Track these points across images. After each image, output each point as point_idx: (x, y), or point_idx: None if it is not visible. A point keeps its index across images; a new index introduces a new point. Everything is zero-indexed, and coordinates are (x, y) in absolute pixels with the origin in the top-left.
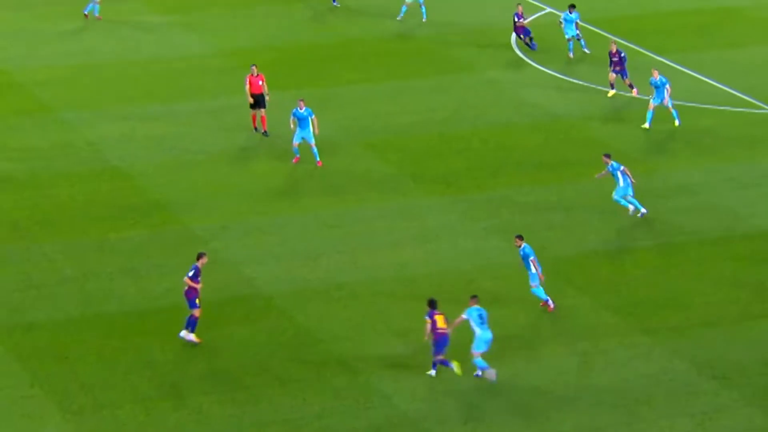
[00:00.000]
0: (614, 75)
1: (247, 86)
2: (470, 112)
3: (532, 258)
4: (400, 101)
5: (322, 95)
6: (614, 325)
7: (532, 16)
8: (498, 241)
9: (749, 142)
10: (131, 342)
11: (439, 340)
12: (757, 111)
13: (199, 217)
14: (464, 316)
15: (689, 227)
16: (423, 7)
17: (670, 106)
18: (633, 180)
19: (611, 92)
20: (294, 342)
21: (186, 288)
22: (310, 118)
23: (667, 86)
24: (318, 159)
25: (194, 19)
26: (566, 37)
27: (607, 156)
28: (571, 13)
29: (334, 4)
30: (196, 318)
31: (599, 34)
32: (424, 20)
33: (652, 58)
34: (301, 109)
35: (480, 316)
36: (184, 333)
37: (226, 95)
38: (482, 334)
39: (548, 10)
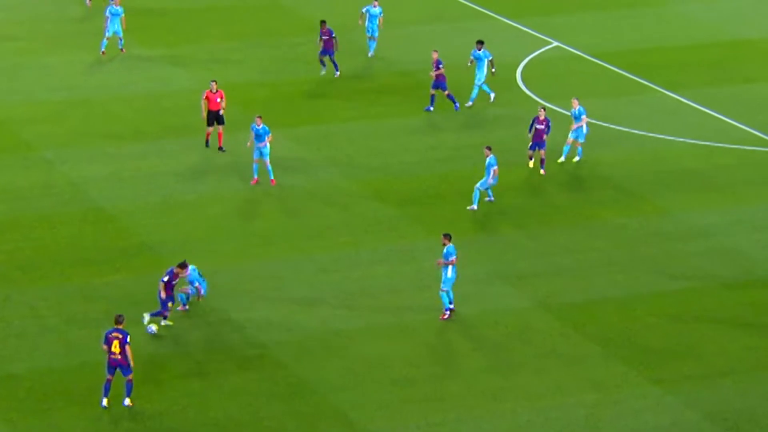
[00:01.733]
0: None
1: (204, 102)
2: (472, 151)
3: (452, 258)
4: (399, 139)
5: (318, 133)
6: (624, 375)
7: (538, 50)
8: (502, 286)
9: (765, 182)
10: (118, 392)
11: None
12: None
13: (188, 261)
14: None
15: (703, 272)
16: (373, 42)
17: (580, 140)
18: (493, 182)
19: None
20: (288, 392)
21: (159, 292)
22: (266, 136)
23: (584, 116)
24: (272, 177)
25: (183, 53)
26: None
27: (488, 148)
28: (479, 50)
29: (336, 74)
30: (165, 316)
31: (607, 68)
32: (370, 55)
33: (663, 93)
34: (258, 125)
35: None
36: (146, 318)
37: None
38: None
39: (555, 44)
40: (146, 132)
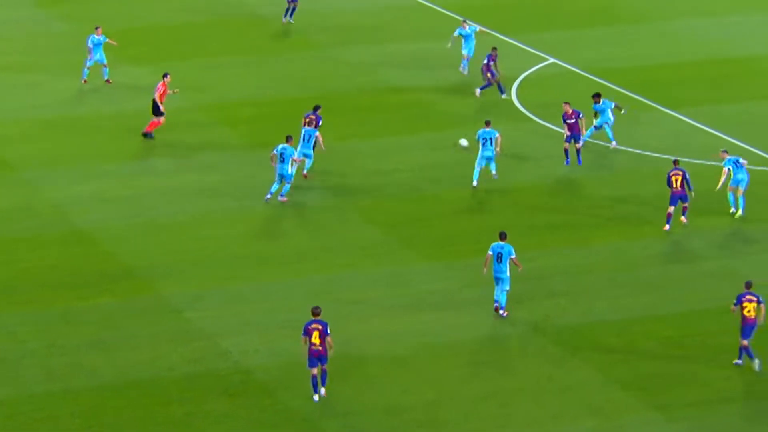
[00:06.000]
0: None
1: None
2: (465, 171)
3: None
4: (391, 159)
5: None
6: (624, 401)
7: (533, 67)
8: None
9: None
10: (100, 420)
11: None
12: None
13: (173, 284)
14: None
15: (706, 294)
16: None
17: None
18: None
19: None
20: (276, 420)
21: None
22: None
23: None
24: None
25: (169, 70)
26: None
27: (487, 122)
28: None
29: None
30: None
31: (605, 85)
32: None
33: (664, 112)
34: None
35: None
36: None
37: (204, 152)
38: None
39: (551, 60)
40: (131, 151)
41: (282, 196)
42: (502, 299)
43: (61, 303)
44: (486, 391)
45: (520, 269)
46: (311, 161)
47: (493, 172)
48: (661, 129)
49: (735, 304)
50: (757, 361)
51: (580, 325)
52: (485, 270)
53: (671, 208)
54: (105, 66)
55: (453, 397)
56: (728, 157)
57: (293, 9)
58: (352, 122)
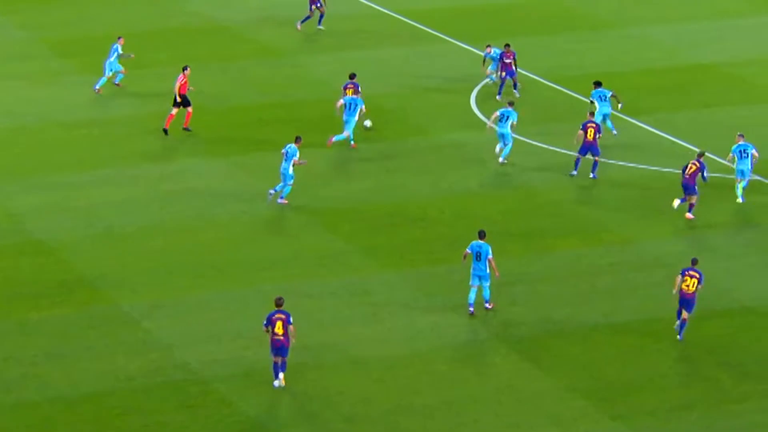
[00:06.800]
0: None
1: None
2: (426, 178)
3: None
4: (349, 168)
5: (265, 161)
6: (584, 409)
7: (492, 74)
8: (456, 318)
9: (729, 209)
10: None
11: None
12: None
13: (130, 295)
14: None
15: (666, 302)
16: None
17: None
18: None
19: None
20: (235, 430)
21: None
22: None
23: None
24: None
25: (127, 79)
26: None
27: (510, 103)
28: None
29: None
30: None
31: (564, 92)
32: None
33: (622, 119)
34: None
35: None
36: None
37: (162, 160)
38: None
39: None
40: (87, 161)
41: (282, 198)
42: (486, 293)
43: (17, 314)
44: (445, 401)
45: (497, 276)
46: (351, 130)
47: (500, 149)
48: (620, 136)
49: (680, 275)
50: (680, 335)
51: (540, 334)
52: (464, 262)
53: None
54: (120, 73)
55: (412, 406)
56: (741, 142)
57: (321, 15)
58: (310, 130)
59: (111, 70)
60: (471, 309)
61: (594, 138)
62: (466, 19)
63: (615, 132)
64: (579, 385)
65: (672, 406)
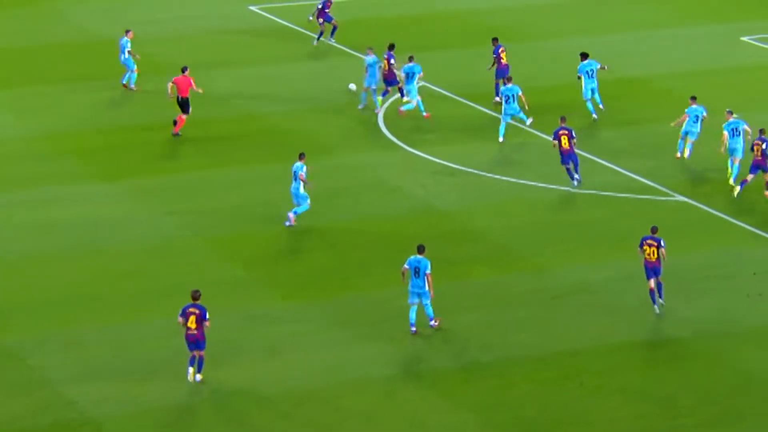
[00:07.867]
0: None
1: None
2: (334, 202)
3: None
4: (249, 191)
5: (158, 185)
6: None
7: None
8: (366, 350)
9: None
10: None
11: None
12: (661, 198)
13: (13, 330)
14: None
15: (587, 332)
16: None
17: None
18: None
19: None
20: None
21: None
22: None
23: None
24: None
25: (9, 97)
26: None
27: (509, 79)
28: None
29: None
30: None
31: (476, 109)
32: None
33: (538, 137)
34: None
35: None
36: None
37: (46, 185)
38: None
39: (421, 83)
40: None
41: (289, 221)
42: (429, 311)
43: None
44: None
45: (431, 296)
46: (417, 99)
47: (528, 121)
48: (533, 154)
49: (639, 247)
50: (657, 305)
51: (456, 367)
52: (403, 279)
53: (750, 176)
54: (132, 72)
55: None
56: (731, 119)
57: (334, 28)
58: (208, 151)
59: (131, 66)
60: (413, 329)
61: (570, 145)
62: (374, 30)
63: (602, 106)
64: (497, 422)
65: None
